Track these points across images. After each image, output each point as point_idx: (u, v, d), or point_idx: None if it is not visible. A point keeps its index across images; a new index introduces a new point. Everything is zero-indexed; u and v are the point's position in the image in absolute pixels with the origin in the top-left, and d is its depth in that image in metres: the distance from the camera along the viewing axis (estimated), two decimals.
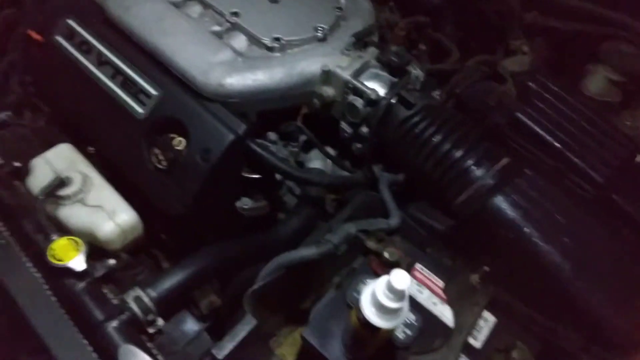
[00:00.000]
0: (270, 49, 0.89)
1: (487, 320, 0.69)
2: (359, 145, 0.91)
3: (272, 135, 0.97)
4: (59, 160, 0.86)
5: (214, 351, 0.63)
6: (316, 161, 0.97)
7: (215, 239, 0.86)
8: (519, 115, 0.81)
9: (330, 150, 0.98)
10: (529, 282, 0.71)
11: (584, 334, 0.67)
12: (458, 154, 0.77)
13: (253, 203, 0.96)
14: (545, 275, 0.69)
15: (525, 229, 0.70)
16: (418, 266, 0.73)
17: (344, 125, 0.91)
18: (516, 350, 0.65)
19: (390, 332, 0.56)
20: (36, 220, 0.76)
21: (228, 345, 0.63)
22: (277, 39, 0.89)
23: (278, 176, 0.93)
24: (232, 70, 0.86)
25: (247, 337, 0.64)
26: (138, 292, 0.70)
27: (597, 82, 0.99)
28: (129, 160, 0.89)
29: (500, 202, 0.72)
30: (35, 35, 1.02)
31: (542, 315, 0.71)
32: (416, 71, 0.90)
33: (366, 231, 0.72)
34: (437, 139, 0.78)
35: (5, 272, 0.71)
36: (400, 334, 0.65)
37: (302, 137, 0.96)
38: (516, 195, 0.72)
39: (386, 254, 0.70)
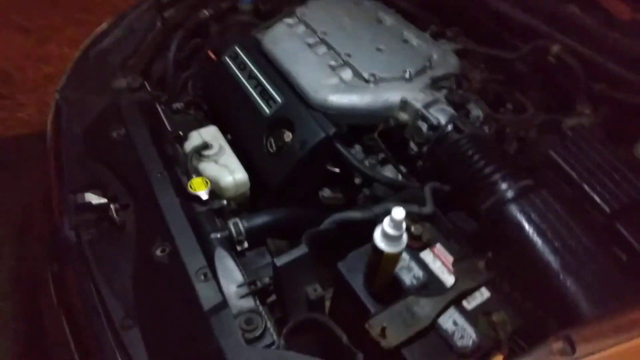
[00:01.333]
0: (367, 81, 1.20)
1: (482, 294, 0.87)
2: (421, 163, 1.16)
3: (357, 148, 1.26)
4: (207, 135, 1.24)
5: (275, 260, 0.90)
6: (388, 172, 1.23)
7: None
8: (552, 152, 1.00)
9: (401, 168, 1.24)
10: (524, 275, 0.88)
11: (561, 322, 0.82)
12: (489, 169, 0.98)
13: (331, 194, 1.25)
14: (538, 271, 0.86)
15: (529, 233, 0.88)
16: (438, 245, 0.94)
17: (412, 144, 1.17)
18: (496, 314, 0.81)
19: (393, 258, 0.78)
20: (185, 167, 1.13)
21: (285, 258, 0.90)
22: (372, 75, 1.20)
23: (357, 181, 1.21)
24: (335, 91, 1.18)
25: (300, 257, 0.91)
26: (237, 220, 1.01)
27: None
28: (253, 144, 1.25)
29: (514, 210, 0.91)
30: (212, 55, 1.46)
31: (531, 302, 0.86)
32: (477, 111, 1.14)
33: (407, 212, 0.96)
34: (475, 158, 1.00)
35: (159, 194, 1.07)
36: (407, 281, 0.87)
37: (381, 155, 1.24)
38: (529, 208, 0.91)
39: (413, 228, 0.93)
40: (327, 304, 0.98)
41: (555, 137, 1.08)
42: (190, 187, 1.05)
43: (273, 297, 0.97)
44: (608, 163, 0.97)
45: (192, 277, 0.90)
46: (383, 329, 0.79)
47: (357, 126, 1.21)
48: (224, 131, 1.36)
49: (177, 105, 1.43)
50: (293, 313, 0.93)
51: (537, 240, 0.87)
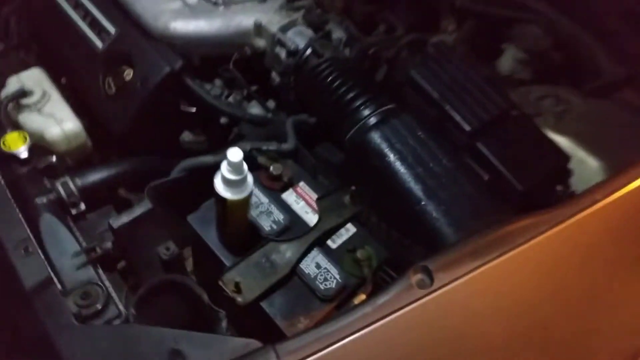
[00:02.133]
0: (214, 3, 1.05)
1: (348, 230, 0.82)
2: (286, 93, 1.05)
3: (218, 83, 1.12)
4: (28, 80, 1.02)
5: (110, 221, 0.77)
6: (255, 109, 1.11)
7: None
8: (413, 73, 0.94)
9: (272, 104, 1.12)
10: (389, 204, 0.84)
11: (427, 249, 0.79)
12: (350, 95, 0.90)
13: (193, 137, 1.12)
14: (401, 198, 0.81)
15: (390, 160, 0.82)
16: (301, 184, 0.86)
17: (274, 74, 1.05)
18: (361, 250, 0.77)
19: (239, 205, 0.69)
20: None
21: (123, 219, 0.77)
22: None
23: (223, 120, 1.07)
24: (178, 17, 1.01)
25: (143, 215, 0.79)
26: (66, 178, 0.85)
27: (507, 60, 1.11)
28: (88, 87, 1.06)
29: (376, 137, 0.85)
30: None
31: (397, 231, 0.83)
32: (338, 32, 1.04)
33: (260, 150, 0.86)
34: (336, 83, 0.92)
35: None
36: (266, 226, 0.79)
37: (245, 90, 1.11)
38: (390, 133, 0.85)
39: (272, 168, 0.84)
40: None
41: (417, 59, 1.02)
42: (4, 144, 0.86)
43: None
44: (469, 80, 0.93)
45: (10, 253, 0.74)
46: (237, 284, 0.71)
47: (212, 57, 1.06)
48: (58, 74, 1.14)
49: None
50: (146, 277, 0.82)
51: (399, 166, 0.82)
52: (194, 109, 1.04)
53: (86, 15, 1.09)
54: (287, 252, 0.76)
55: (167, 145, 1.08)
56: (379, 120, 0.87)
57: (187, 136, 1.11)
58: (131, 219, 0.78)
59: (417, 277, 0.66)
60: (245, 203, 0.69)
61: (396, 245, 0.83)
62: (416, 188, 0.81)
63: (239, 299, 0.71)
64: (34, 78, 1.03)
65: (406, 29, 1.24)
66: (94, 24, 1.07)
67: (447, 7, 1.19)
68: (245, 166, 0.66)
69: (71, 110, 0.99)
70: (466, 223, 0.79)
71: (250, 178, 0.68)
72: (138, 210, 0.79)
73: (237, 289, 0.71)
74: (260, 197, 0.82)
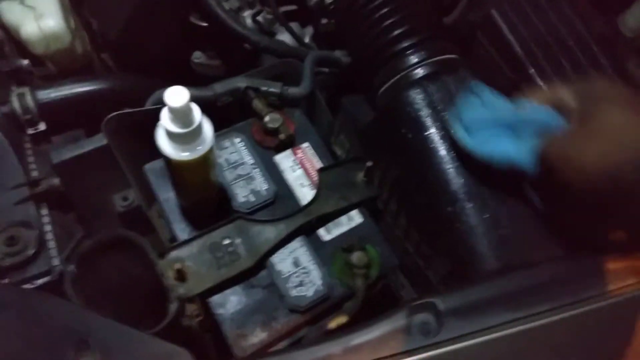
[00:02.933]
0: None
1: (352, 219, 0.60)
2: (324, 21, 0.81)
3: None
4: None
5: (52, 153, 0.61)
6: (286, 35, 0.88)
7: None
8: (494, 13, 0.66)
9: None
10: (417, 194, 0.60)
11: (452, 265, 0.57)
12: (396, 33, 0.65)
13: (206, 59, 0.92)
14: (434, 190, 0.58)
15: (428, 133, 0.58)
16: (304, 145, 0.65)
17: None
18: (358, 253, 0.56)
19: (189, 168, 0.49)
20: None
21: (66, 153, 0.61)
22: None
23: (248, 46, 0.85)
24: None
25: (92, 153, 0.62)
26: (24, 90, 0.69)
27: (636, 16, 0.78)
28: None
29: (416, 96, 0.60)
30: None
31: (419, 234, 0.60)
32: None
33: (258, 91, 0.65)
34: (381, 12, 0.66)
35: None
36: (241, 197, 0.59)
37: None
38: (437, 94, 0.60)
39: (267, 118, 0.62)
40: None
41: None
42: None
43: None
44: (572, 33, 0.65)
45: None
46: (180, 271, 0.53)
47: None
48: None
49: None
50: (97, 228, 0.66)
51: (439, 147, 0.58)
52: (204, 24, 0.83)
53: None
54: (259, 236, 0.56)
55: (174, 64, 0.89)
56: (427, 74, 0.62)
57: (198, 57, 0.91)
58: (76, 154, 0.61)
59: (418, 318, 0.46)
60: (198, 166, 0.49)
61: (414, 252, 0.61)
62: (457, 181, 0.57)
63: (181, 289, 0.53)
64: None
65: None
66: None
67: None
68: (195, 114, 0.45)
69: (60, 5, 0.81)
70: (516, 250, 0.55)
71: (207, 131, 0.48)
72: (88, 145, 0.62)
73: (180, 275, 0.53)
74: (244, 155, 0.62)
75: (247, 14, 0.91)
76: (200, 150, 0.47)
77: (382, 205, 0.65)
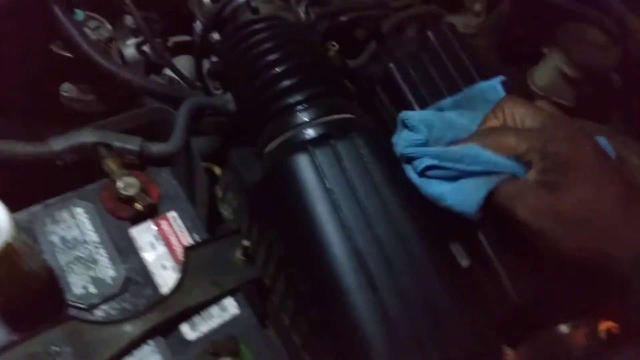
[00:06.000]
0: None
1: (225, 310, 0.50)
2: (213, 59, 0.71)
3: (129, 21, 0.77)
4: None
5: None
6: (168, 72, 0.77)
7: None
8: (392, 66, 0.59)
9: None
10: (302, 276, 0.51)
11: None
12: (288, 83, 0.55)
13: (77, 93, 0.78)
14: (320, 275, 0.48)
15: (310, 206, 0.49)
16: (171, 214, 0.53)
17: (196, 23, 0.70)
18: (228, 356, 0.45)
19: None
20: None
21: None
22: None
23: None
24: None
25: None
26: None
27: (547, 73, 0.75)
28: None
29: (299, 162, 0.51)
30: None
31: (307, 323, 0.51)
32: None
33: (111, 147, 0.52)
34: (271, 57, 0.57)
35: None
36: (77, 288, 0.46)
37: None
38: (327, 162, 0.50)
39: (120, 184, 0.50)
40: None
41: (413, 45, 0.65)
42: None
43: None
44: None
45: None
46: None
47: None
48: None
49: None
50: None
51: (324, 223, 0.48)
52: (69, 55, 0.70)
53: None
54: (98, 343, 0.44)
55: (39, 98, 0.74)
56: (315, 137, 0.53)
57: (67, 90, 0.77)
58: None
59: None
60: (4, 260, 0.36)
61: (301, 346, 0.51)
62: (344, 263, 0.48)
63: None
64: None
65: None
66: None
67: None
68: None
69: None
70: (421, 342, 0.47)
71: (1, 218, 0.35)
72: None
73: None
74: (86, 231, 0.49)
75: (130, 42, 0.80)
76: None
77: (269, 283, 0.54)
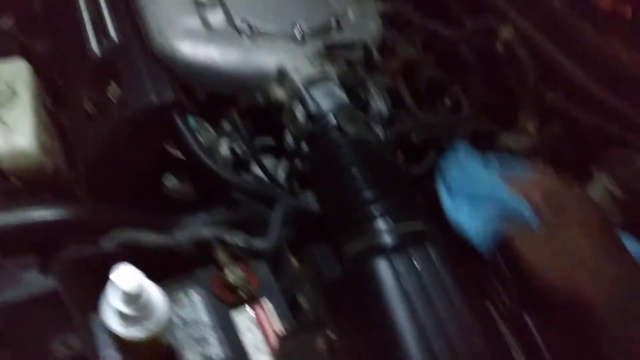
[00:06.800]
0: (239, 32, 0.84)
1: None
2: (298, 163, 0.82)
3: (227, 126, 0.90)
4: (6, 72, 0.85)
5: None
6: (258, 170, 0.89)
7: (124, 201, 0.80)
8: None
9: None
10: None
11: None
12: (367, 196, 0.66)
13: (178, 185, 0.90)
14: None
15: (388, 309, 0.57)
16: (265, 302, 0.62)
17: (288, 135, 0.83)
18: None
19: (138, 344, 0.46)
20: None
21: (8, 295, 0.56)
22: (247, 23, 0.83)
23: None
24: (189, 38, 0.81)
25: (38, 296, 0.57)
26: None
27: (596, 191, 0.83)
28: (74, 97, 0.87)
29: (381, 268, 0.60)
30: None
31: None
32: (379, 105, 0.81)
33: (225, 243, 0.63)
34: (355, 173, 0.68)
35: None
36: None
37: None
38: (403, 268, 0.60)
39: (227, 272, 0.60)
40: None
41: None
42: None
43: None
44: None
45: None
46: None
47: (222, 95, 0.85)
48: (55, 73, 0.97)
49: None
50: None
51: (402, 320, 0.57)
52: (179, 154, 0.83)
53: (95, 10, 0.91)
54: None
55: (144, 188, 0.87)
56: (393, 244, 0.62)
57: (170, 181, 0.90)
58: (22, 299, 0.56)
59: None
60: (147, 342, 0.46)
61: None
62: (417, 356, 0.55)
63: None
64: (14, 71, 0.86)
65: (475, 112, 0.99)
66: (99, 24, 0.89)
67: (533, 100, 0.92)
68: (151, 295, 0.43)
69: (35, 121, 0.80)
70: None
71: (162, 310, 0.45)
72: (34, 287, 0.58)
73: None
74: (200, 314, 0.59)
75: (224, 142, 0.92)
76: (149, 330, 0.44)
77: None
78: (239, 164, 0.90)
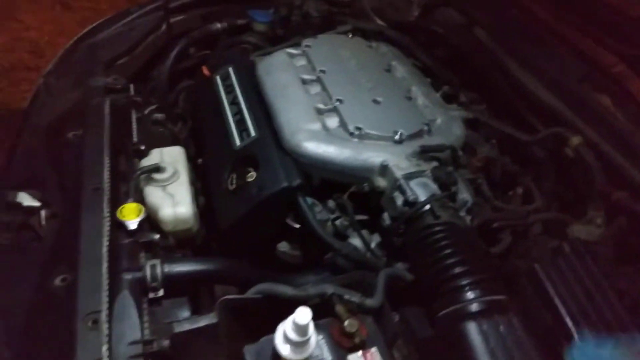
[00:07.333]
0: (351, 134, 1.06)
1: None
2: (394, 239, 1.00)
3: (332, 204, 1.11)
4: (168, 156, 1.12)
5: (174, 324, 0.76)
6: (357, 241, 1.08)
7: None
8: (537, 267, 0.83)
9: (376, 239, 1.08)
10: None
11: None
12: (458, 270, 0.81)
13: (289, 249, 1.11)
14: None
15: None
16: (373, 350, 0.78)
17: (385, 215, 1.01)
18: None
19: None
20: (128, 186, 1.01)
21: (185, 325, 0.76)
22: (358, 128, 1.05)
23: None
24: (313, 138, 1.04)
25: (204, 328, 0.76)
26: (156, 262, 0.88)
27: None
28: (216, 177, 1.12)
29: (471, 328, 0.74)
30: (206, 71, 1.36)
31: None
32: (465, 195, 0.98)
33: (341, 298, 0.80)
34: (447, 252, 0.84)
35: (85, 212, 0.94)
36: None
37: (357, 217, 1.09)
38: (489, 330, 0.74)
39: (346, 323, 0.77)
40: None
41: (548, 248, 0.90)
42: (121, 212, 0.92)
43: None
44: (599, 290, 0.80)
45: (79, 320, 0.77)
46: None
47: (334, 181, 1.06)
48: (198, 155, 1.24)
49: (158, 115, 1.32)
50: None
51: None
52: (297, 226, 1.04)
53: (238, 112, 1.18)
54: None
55: (262, 250, 1.08)
56: (481, 310, 0.77)
57: (284, 246, 1.10)
58: (193, 327, 0.76)
59: None
60: None
61: None
62: None
63: None
64: (173, 155, 1.12)
65: (546, 204, 1.14)
66: (241, 123, 1.15)
67: (599, 196, 1.06)
68: (311, 328, 0.61)
69: (191, 195, 1.05)
70: None
71: (313, 340, 0.63)
72: (202, 321, 0.77)
73: None
74: (324, 353, 0.75)
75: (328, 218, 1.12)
76: (305, 354, 0.62)
77: None
78: (340, 236, 1.09)
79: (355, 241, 1.06)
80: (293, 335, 0.60)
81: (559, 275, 0.81)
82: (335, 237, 1.04)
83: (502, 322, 0.75)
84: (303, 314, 0.59)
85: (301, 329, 0.59)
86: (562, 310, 0.77)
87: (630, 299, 0.86)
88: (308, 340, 0.61)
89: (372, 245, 1.04)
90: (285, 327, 0.61)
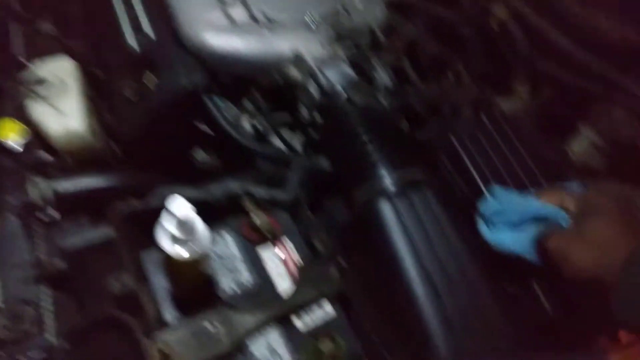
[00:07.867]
0: (258, 22, 0.95)
1: (325, 312, 0.67)
2: (313, 132, 0.93)
3: (249, 105, 1.02)
4: (53, 68, 0.99)
5: (59, 240, 0.69)
6: (278, 142, 1.00)
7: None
8: (451, 137, 0.79)
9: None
10: (383, 293, 0.68)
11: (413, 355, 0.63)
12: (374, 156, 0.76)
13: (206, 157, 1.03)
14: (398, 291, 0.66)
15: (395, 242, 0.68)
16: (287, 241, 0.73)
17: (302, 109, 0.93)
18: (327, 342, 0.62)
19: (187, 264, 0.57)
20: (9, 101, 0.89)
21: (74, 240, 0.69)
22: (265, 15, 0.95)
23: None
24: (215, 30, 0.93)
25: (99, 241, 0.70)
26: (43, 181, 0.79)
27: (581, 143, 0.92)
28: (114, 87, 1.00)
29: (385, 208, 0.70)
30: None
31: (386, 327, 0.67)
32: (384, 78, 0.91)
33: (251, 195, 0.74)
34: (361, 139, 0.78)
35: None
36: (226, 287, 0.66)
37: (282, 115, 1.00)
38: (404, 210, 0.70)
39: (254, 217, 0.71)
40: None
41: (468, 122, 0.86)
42: None
43: None
44: (518, 158, 0.77)
45: None
46: (164, 353, 0.58)
47: (246, 78, 0.97)
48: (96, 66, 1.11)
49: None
50: (92, 309, 0.72)
51: (404, 253, 0.67)
52: (209, 130, 0.95)
53: (130, 9, 1.04)
54: (239, 323, 0.63)
55: (177, 160, 0.99)
56: (396, 188, 0.72)
57: (200, 155, 1.02)
58: (83, 242, 0.69)
59: None
60: (194, 263, 0.58)
61: (379, 343, 0.67)
62: (419, 284, 0.65)
63: None
64: (59, 67, 0.99)
65: (475, 85, 1.09)
66: (136, 22, 1.02)
67: (526, 68, 1.01)
68: (196, 223, 0.54)
69: (82, 108, 0.94)
70: (472, 346, 0.62)
71: (205, 236, 0.56)
72: (95, 235, 0.70)
73: (165, 357, 0.59)
74: (232, 248, 0.70)
75: (245, 118, 1.04)
76: (196, 251, 0.56)
77: (349, 300, 0.72)
78: (260, 137, 1.01)
79: (278, 142, 0.99)
80: (173, 230, 0.54)
81: (475, 145, 0.77)
82: (256, 140, 0.97)
83: (417, 199, 0.71)
84: (178, 205, 0.52)
85: (182, 224, 0.53)
86: (475, 175, 0.74)
87: (554, 166, 0.84)
88: (195, 237, 0.54)
89: (295, 144, 0.98)
90: (162, 221, 0.54)
